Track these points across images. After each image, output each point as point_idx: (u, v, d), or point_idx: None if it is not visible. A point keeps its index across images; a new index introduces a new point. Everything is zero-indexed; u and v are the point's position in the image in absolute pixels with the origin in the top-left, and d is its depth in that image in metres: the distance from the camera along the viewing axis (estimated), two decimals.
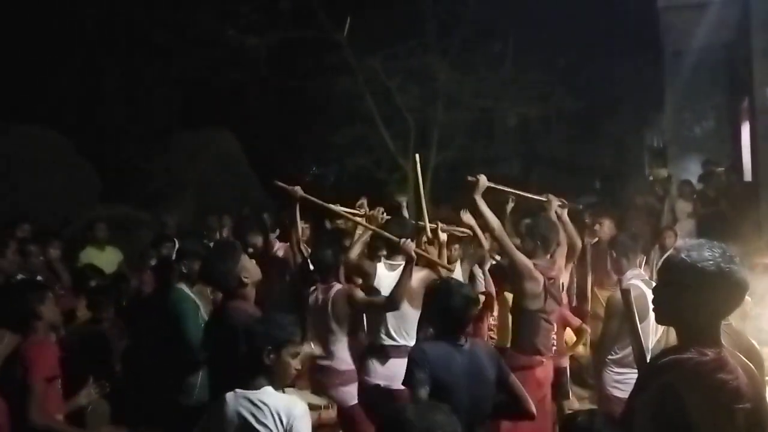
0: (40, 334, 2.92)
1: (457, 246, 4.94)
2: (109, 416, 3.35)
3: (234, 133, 11.22)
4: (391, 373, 3.43)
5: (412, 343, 3.47)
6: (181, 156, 10.63)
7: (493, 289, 4.52)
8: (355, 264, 3.76)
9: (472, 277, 4.87)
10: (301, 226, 4.32)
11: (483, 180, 3.83)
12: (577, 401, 4.80)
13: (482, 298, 4.35)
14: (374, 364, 3.64)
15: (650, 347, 3.44)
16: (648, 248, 5.79)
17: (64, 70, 10.45)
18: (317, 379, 3.71)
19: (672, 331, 1.85)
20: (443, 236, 4.17)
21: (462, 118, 10.89)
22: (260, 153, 11.40)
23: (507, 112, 11.21)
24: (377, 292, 3.69)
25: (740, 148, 8.72)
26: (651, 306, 1.82)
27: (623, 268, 3.77)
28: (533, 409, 2.70)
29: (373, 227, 3.87)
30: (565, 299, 4.75)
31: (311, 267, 3.95)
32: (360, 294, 3.70)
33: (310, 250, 4.24)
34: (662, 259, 1.82)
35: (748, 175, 8.06)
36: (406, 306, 3.60)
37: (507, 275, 4.26)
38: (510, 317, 3.96)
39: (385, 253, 3.93)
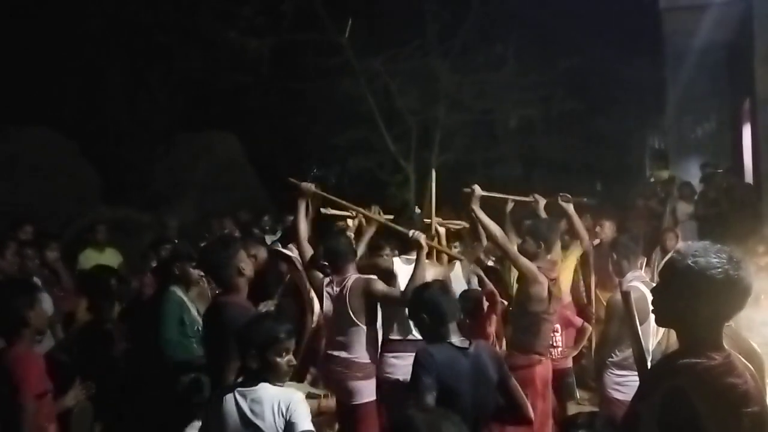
0: (26, 341, 2.75)
1: (456, 244, 4.95)
2: (93, 418, 3.32)
3: (236, 136, 11.24)
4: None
5: None
6: (183, 158, 10.66)
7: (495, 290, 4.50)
8: (374, 264, 3.74)
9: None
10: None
11: (478, 190, 3.87)
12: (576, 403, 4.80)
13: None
14: (393, 359, 3.62)
15: (651, 349, 3.44)
16: (649, 250, 5.78)
17: (68, 72, 10.48)
18: (332, 370, 3.62)
19: (673, 333, 1.84)
20: (441, 229, 4.19)
21: (463, 119, 10.90)
22: (262, 155, 11.41)
23: (508, 114, 11.20)
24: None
25: (741, 149, 8.71)
26: (651, 308, 1.81)
27: (624, 269, 3.77)
28: (531, 414, 2.70)
29: (384, 220, 3.91)
30: (568, 298, 4.76)
31: (323, 259, 3.84)
32: (379, 285, 3.61)
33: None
34: (664, 263, 1.80)
35: (749, 177, 8.04)
36: None
37: (501, 278, 4.28)
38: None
39: (390, 251, 3.95)
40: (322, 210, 4.21)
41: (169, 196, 9.95)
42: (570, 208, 4.40)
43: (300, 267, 4.04)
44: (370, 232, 4.03)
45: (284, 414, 2.19)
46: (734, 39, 8.30)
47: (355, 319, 3.59)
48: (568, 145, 11.43)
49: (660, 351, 3.40)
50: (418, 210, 4.77)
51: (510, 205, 4.70)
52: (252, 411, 2.21)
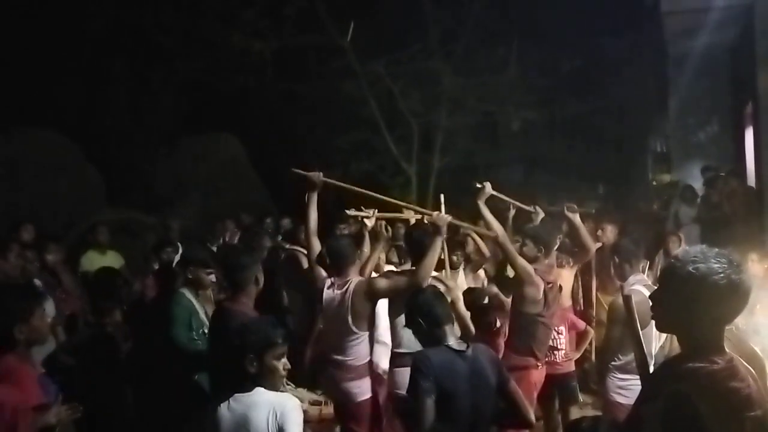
0: (20, 350, 2.60)
1: (459, 253, 4.96)
2: None
3: (239, 138, 11.26)
4: None
5: None
6: (186, 160, 10.68)
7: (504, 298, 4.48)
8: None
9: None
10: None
11: (488, 187, 3.88)
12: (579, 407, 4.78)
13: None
14: (403, 374, 3.51)
15: (653, 353, 3.43)
16: (652, 253, 5.77)
17: (71, 74, 10.51)
18: (328, 372, 3.61)
19: (675, 338, 1.84)
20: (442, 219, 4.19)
21: (465, 122, 10.90)
22: (264, 157, 11.42)
23: (510, 117, 11.20)
24: None
25: (744, 153, 8.70)
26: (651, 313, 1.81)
27: (626, 273, 3.77)
28: (532, 417, 2.71)
29: (406, 205, 3.90)
30: (568, 302, 4.77)
31: (327, 260, 3.74)
32: (381, 282, 3.56)
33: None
34: (664, 269, 1.79)
35: (751, 180, 8.03)
36: None
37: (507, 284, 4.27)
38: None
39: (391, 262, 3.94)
40: (347, 211, 4.11)
41: (171, 198, 9.97)
42: (576, 218, 4.39)
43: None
44: (379, 248, 3.97)
45: (278, 420, 2.19)
46: (737, 42, 8.29)
47: (353, 324, 3.54)
48: (570, 149, 11.44)
49: (663, 355, 3.39)
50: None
51: (512, 212, 4.70)
52: (246, 416, 2.21)
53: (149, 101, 11.37)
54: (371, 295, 3.52)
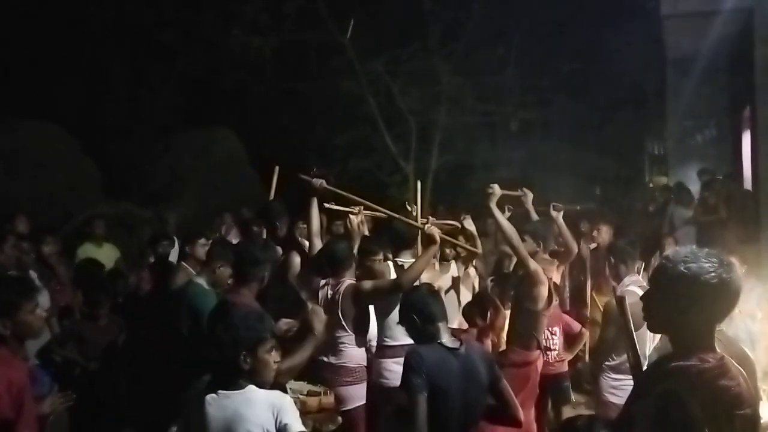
0: (10, 344, 2.57)
1: (449, 251, 4.98)
2: (68, 429, 3.27)
3: (237, 133, 11.24)
4: None
5: None
6: (183, 155, 10.66)
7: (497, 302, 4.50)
8: (367, 269, 3.74)
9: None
10: (300, 226, 4.33)
11: (497, 190, 3.90)
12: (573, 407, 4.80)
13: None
14: (389, 365, 3.60)
15: (647, 354, 3.45)
16: (647, 255, 5.79)
17: (70, 67, 10.48)
18: (321, 375, 3.59)
19: None
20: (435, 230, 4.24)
21: (464, 121, 10.91)
22: (262, 153, 11.40)
23: (509, 117, 11.22)
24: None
25: (741, 156, 8.72)
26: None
27: (621, 274, 3.79)
28: (521, 416, 2.71)
29: (396, 215, 3.97)
30: (555, 301, 4.80)
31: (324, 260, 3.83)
32: (366, 284, 3.64)
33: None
34: (655, 269, 1.81)
35: (748, 184, 8.05)
36: None
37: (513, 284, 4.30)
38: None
39: (384, 255, 3.94)
40: (326, 205, 4.20)
41: (169, 192, 9.95)
42: (559, 217, 4.46)
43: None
44: (360, 234, 4.02)
45: (275, 417, 2.16)
46: (735, 46, 8.30)
47: (345, 323, 3.60)
48: (568, 150, 11.46)
49: (657, 356, 3.41)
50: (409, 208, 4.80)
51: (507, 214, 4.73)
52: (239, 413, 2.15)
53: (148, 96, 11.35)
54: (357, 297, 3.60)
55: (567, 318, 4.70)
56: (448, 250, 4.86)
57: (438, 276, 3.93)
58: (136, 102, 11.27)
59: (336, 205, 4.23)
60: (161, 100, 11.45)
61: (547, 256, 4.08)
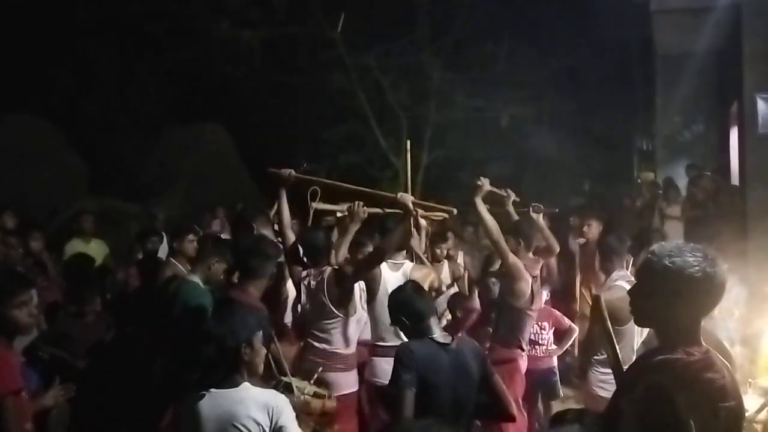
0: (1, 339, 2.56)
1: (442, 245, 5.00)
2: (69, 421, 3.25)
3: (225, 128, 11.17)
4: None
5: None
6: (172, 149, 10.59)
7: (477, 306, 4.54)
8: (356, 261, 3.73)
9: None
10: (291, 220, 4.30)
11: (486, 184, 3.90)
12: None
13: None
14: (383, 364, 3.58)
15: (635, 348, 3.48)
16: (635, 250, 5.82)
17: (56, 60, 10.37)
18: (312, 361, 3.58)
19: None
20: (423, 222, 4.24)
21: (454, 117, 10.92)
22: (252, 148, 11.36)
23: (499, 112, 11.25)
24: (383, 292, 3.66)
25: (728, 152, 8.79)
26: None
27: (609, 269, 3.81)
28: (514, 411, 2.72)
29: (371, 191, 3.97)
30: (545, 297, 4.84)
31: (301, 251, 3.82)
32: (347, 268, 3.62)
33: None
34: (640, 264, 1.83)
35: (735, 179, 8.12)
36: None
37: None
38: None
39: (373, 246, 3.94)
40: (314, 204, 4.17)
41: (157, 187, 9.89)
42: (539, 218, 4.50)
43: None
44: (353, 229, 4.01)
45: (270, 416, 2.14)
46: (723, 42, 8.35)
47: (333, 309, 3.58)
48: (557, 145, 11.50)
49: (645, 349, 3.44)
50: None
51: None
52: (232, 412, 2.14)
53: (136, 89, 11.26)
54: (343, 278, 3.57)
55: (557, 314, 4.74)
56: (438, 251, 4.89)
57: (428, 275, 3.93)
58: (123, 96, 11.17)
59: (320, 198, 4.21)
60: (149, 94, 11.36)
61: (530, 255, 4.11)
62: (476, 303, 4.49)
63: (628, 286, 3.53)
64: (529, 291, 3.82)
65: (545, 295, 4.77)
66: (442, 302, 4.51)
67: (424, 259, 4.45)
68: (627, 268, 3.90)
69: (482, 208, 3.83)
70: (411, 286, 2.86)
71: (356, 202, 3.87)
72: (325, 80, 10.50)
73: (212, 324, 2.28)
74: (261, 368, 2.29)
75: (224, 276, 3.86)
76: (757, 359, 3.70)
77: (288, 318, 4.15)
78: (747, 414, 3.08)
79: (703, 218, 7.23)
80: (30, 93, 9.68)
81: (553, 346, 4.62)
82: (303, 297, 3.72)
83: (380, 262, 3.57)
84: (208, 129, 11.00)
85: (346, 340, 3.63)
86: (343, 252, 3.78)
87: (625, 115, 12.81)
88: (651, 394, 1.65)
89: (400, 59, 10.32)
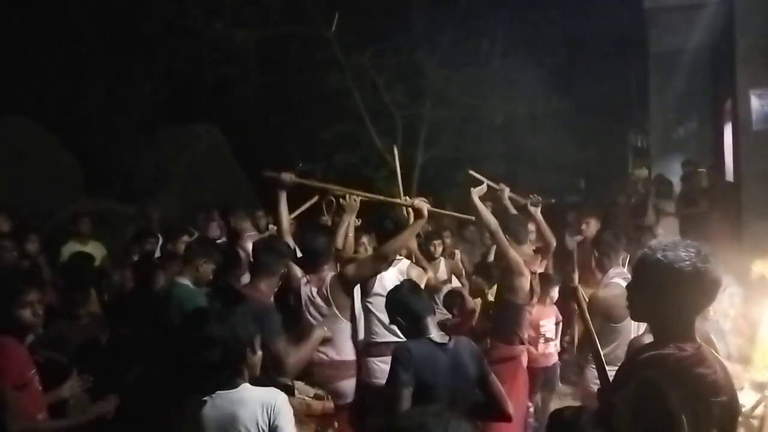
0: (9, 335, 2.67)
1: (437, 242, 5.00)
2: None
3: (220, 128, 11.14)
4: None
5: None
6: (166, 150, 10.54)
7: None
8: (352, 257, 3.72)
9: None
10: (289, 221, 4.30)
11: (484, 188, 3.94)
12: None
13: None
14: (378, 364, 3.58)
15: None
16: (632, 247, 5.84)
17: (49, 61, 10.30)
18: (318, 372, 3.52)
19: None
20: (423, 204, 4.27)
21: (449, 115, 10.92)
22: (247, 148, 11.33)
23: (494, 111, 11.25)
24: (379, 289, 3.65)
25: (722, 148, 8.82)
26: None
27: (606, 266, 3.83)
28: (510, 410, 2.73)
29: (380, 197, 4.01)
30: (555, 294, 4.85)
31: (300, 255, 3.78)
32: (350, 267, 3.59)
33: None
34: (636, 259, 1.85)
35: (729, 175, 8.15)
36: None
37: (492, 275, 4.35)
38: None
39: (368, 241, 3.94)
40: (360, 197, 4.12)
41: (152, 188, 9.85)
42: (537, 213, 4.50)
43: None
44: (346, 224, 4.00)
45: (269, 416, 2.13)
46: (717, 39, 8.39)
47: (339, 314, 3.52)
48: (552, 143, 11.53)
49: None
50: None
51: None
52: (233, 414, 2.13)
53: (129, 90, 11.19)
54: (345, 283, 3.53)
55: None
56: (432, 248, 4.89)
57: (424, 275, 3.93)
58: (117, 96, 11.11)
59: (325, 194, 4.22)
60: (143, 94, 11.30)
61: (529, 251, 4.13)
62: (470, 302, 4.51)
63: (624, 284, 3.56)
64: (528, 286, 3.82)
65: (556, 292, 4.78)
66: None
67: (420, 257, 4.44)
68: (624, 266, 3.92)
69: (480, 206, 3.86)
70: (408, 286, 2.86)
71: (350, 197, 3.90)
72: (320, 80, 10.49)
73: (215, 326, 2.27)
74: (258, 370, 2.29)
75: (213, 276, 3.85)
76: (753, 355, 3.72)
77: None
78: (744, 409, 3.10)
79: (697, 215, 7.25)
80: (23, 94, 9.63)
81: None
82: (305, 304, 3.62)
83: (382, 263, 3.51)
84: (202, 129, 10.96)
85: (345, 348, 3.56)
86: (341, 241, 3.77)
87: (620, 112, 12.85)
88: (643, 390, 1.66)
89: (394, 58, 10.31)
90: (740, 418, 1.97)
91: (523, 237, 4.17)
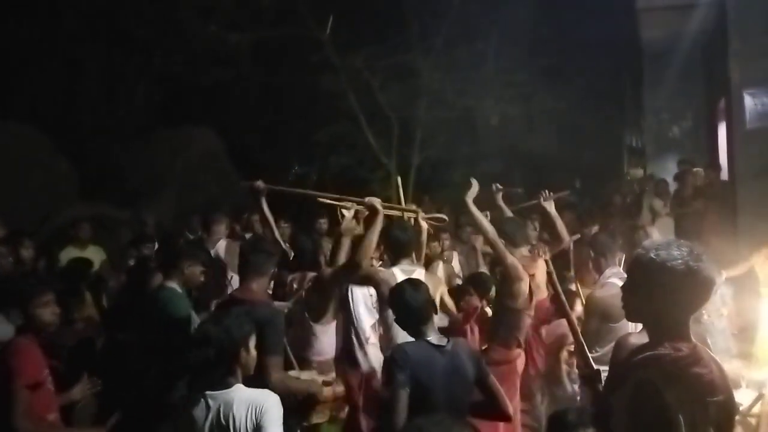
0: (27, 336, 2.82)
1: (436, 243, 5.00)
2: (94, 416, 3.31)
3: (215, 131, 11.12)
4: None
5: None
6: (161, 154, 10.50)
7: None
8: (366, 274, 3.70)
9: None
10: (282, 225, 4.34)
11: (475, 184, 3.90)
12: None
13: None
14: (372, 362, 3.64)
15: None
16: (628, 247, 5.85)
17: (43, 65, 10.26)
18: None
19: None
20: (424, 224, 4.23)
21: (445, 116, 10.92)
22: (242, 151, 11.31)
23: (489, 111, 11.26)
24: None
25: (717, 147, 8.86)
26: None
27: (602, 266, 3.83)
28: (510, 410, 2.73)
29: (345, 197, 3.98)
30: (544, 294, 4.83)
31: (291, 257, 3.93)
32: (327, 271, 3.65)
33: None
34: (631, 259, 1.85)
35: (724, 174, 8.19)
36: None
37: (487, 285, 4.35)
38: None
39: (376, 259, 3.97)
40: (319, 198, 4.18)
41: (146, 192, 9.81)
42: (551, 208, 4.47)
43: None
44: (348, 240, 3.99)
45: (256, 416, 2.15)
46: (710, 39, 8.42)
47: (308, 315, 3.61)
48: (548, 143, 11.55)
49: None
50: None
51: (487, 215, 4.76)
52: (226, 414, 2.15)
53: (124, 93, 11.16)
54: (321, 287, 3.59)
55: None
56: (427, 251, 4.87)
57: (439, 284, 3.96)
58: (112, 100, 11.08)
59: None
60: (138, 97, 11.27)
61: (526, 253, 4.11)
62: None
63: (620, 283, 3.56)
64: (527, 291, 3.81)
65: None
66: None
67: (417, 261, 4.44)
68: (620, 265, 3.92)
69: (475, 210, 3.84)
70: (410, 287, 2.83)
71: (344, 212, 3.92)
72: (315, 82, 10.48)
73: (210, 326, 2.28)
74: (252, 369, 2.32)
75: (203, 277, 3.87)
76: (750, 354, 3.73)
77: None
78: (741, 408, 3.11)
79: (692, 214, 7.27)
80: (17, 99, 9.58)
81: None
82: (295, 303, 3.76)
83: (356, 271, 3.52)
84: (197, 132, 10.93)
85: (322, 349, 3.63)
86: (341, 257, 3.76)
87: (614, 112, 12.88)
88: (640, 390, 1.67)
89: (389, 60, 10.31)
90: (738, 417, 1.98)
91: (520, 240, 4.14)
